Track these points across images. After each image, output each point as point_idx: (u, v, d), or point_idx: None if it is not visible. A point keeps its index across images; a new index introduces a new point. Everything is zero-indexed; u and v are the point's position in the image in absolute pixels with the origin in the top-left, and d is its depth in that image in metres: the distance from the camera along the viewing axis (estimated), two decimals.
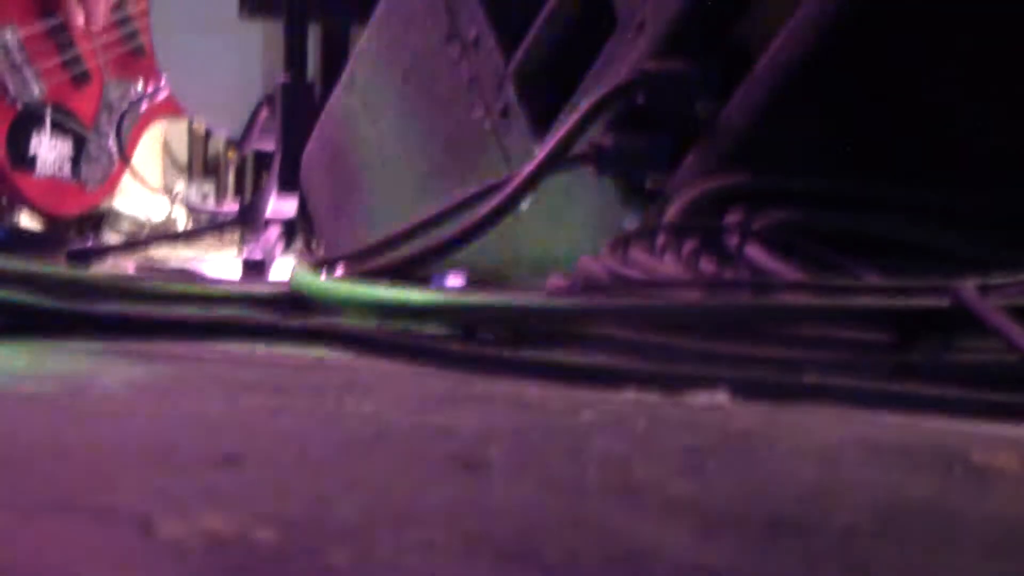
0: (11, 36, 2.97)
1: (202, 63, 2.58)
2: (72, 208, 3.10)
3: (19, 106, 2.97)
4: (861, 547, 0.54)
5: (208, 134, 3.28)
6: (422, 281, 1.47)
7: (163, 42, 2.65)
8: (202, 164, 3.34)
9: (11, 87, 2.96)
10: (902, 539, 0.56)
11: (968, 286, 0.98)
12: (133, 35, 3.10)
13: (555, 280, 1.27)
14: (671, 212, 1.29)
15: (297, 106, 2.29)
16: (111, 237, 3.08)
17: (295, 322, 1.17)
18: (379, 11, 1.79)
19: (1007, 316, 0.95)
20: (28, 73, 2.99)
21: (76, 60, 3.06)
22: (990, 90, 1.33)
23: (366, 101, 1.82)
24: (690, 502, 0.60)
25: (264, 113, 2.49)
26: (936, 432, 0.85)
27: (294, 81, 2.30)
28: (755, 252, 1.19)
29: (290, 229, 2.33)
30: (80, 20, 3.02)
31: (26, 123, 3.00)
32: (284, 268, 2.17)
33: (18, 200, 3.02)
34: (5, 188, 2.99)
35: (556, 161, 1.37)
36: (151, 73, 3.03)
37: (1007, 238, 1.28)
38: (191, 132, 3.31)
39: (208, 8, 2.54)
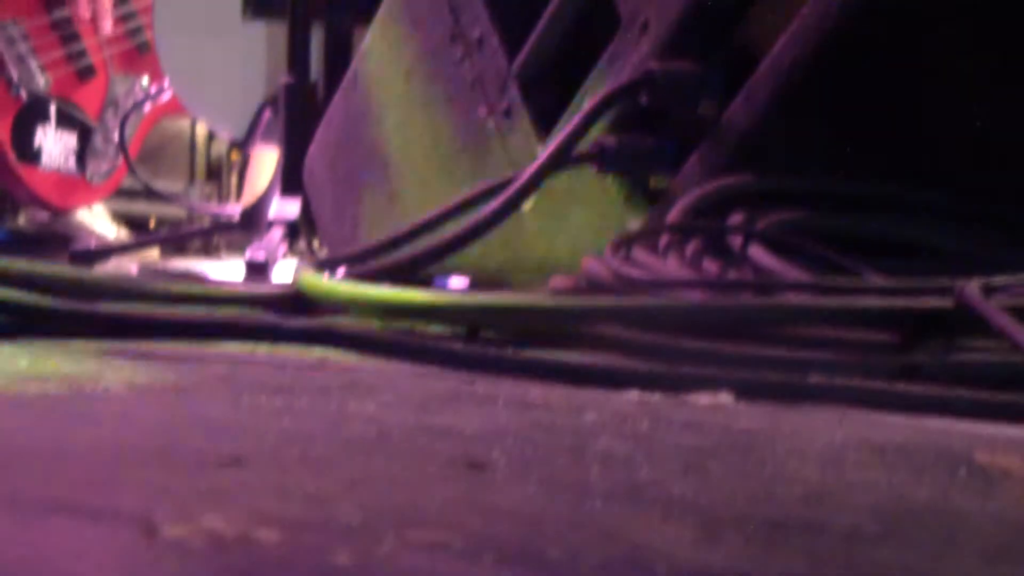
0: (16, 27, 2.97)
1: (205, 64, 2.58)
2: (77, 202, 3.10)
3: (24, 97, 2.97)
4: (865, 549, 0.54)
5: (211, 135, 3.29)
6: (425, 282, 1.47)
7: (166, 43, 2.65)
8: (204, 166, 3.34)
9: (16, 78, 2.96)
10: (906, 541, 0.56)
11: (972, 287, 0.98)
12: (138, 31, 3.10)
13: (558, 280, 1.27)
14: (674, 212, 1.29)
15: (300, 107, 2.29)
16: None
17: (298, 323, 1.16)
18: (382, 12, 1.79)
19: (1011, 317, 0.95)
20: (33, 64, 2.98)
21: (81, 54, 3.06)
22: (990, 90, 1.33)
23: (369, 102, 1.82)
24: (693, 503, 0.60)
25: (267, 114, 2.49)
26: (940, 433, 0.85)
27: (297, 82, 2.30)
28: (758, 253, 1.19)
29: (293, 230, 2.33)
30: (87, 14, 3.02)
31: (31, 115, 3.00)
32: (287, 269, 2.17)
33: (23, 192, 3.02)
34: (11, 180, 2.99)
35: (560, 161, 1.37)
36: (157, 69, 3.03)
37: (1008, 238, 1.28)
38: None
39: (211, 9, 2.54)
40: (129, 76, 3.12)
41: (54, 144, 3.03)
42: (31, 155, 3.00)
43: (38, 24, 3.01)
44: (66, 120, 3.05)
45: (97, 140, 3.09)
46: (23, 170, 2.98)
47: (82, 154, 3.08)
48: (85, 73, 3.07)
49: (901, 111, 1.32)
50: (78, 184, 3.08)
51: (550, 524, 0.56)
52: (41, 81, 3.01)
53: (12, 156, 2.97)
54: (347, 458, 0.69)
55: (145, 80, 3.12)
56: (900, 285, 1.07)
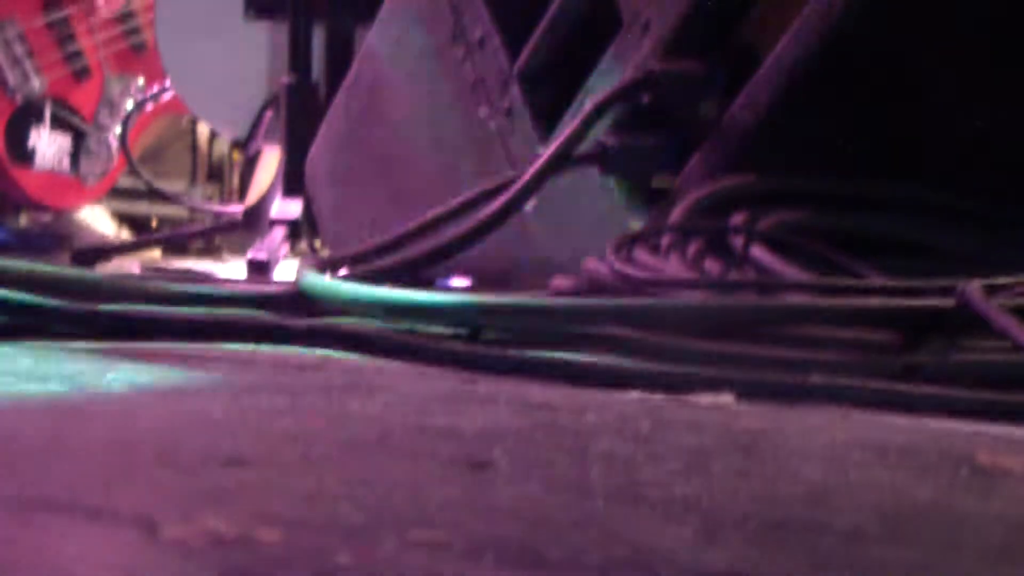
0: (12, 29, 2.97)
1: (207, 64, 2.58)
2: (70, 202, 3.10)
3: (19, 99, 2.98)
4: (866, 549, 0.54)
5: (213, 135, 3.29)
6: (427, 282, 1.47)
7: (168, 43, 2.65)
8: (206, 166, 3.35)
9: (11, 80, 2.96)
10: (908, 541, 0.56)
11: (974, 287, 0.98)
12: (135, 31, 3.10)
13: (560, 280, 1.27)
14: (676, 212, 1.29)
15: (302, 107, 2.29)
16: None
17: (299, 323, 1.16)
18: (384, 12, 1.79)
19: (1013, 317, 0.95)
20: (28, 66, 2.99)
21: (77, 55, 3.06)
22: (990, 90, 1.33)
23: (371, 102, 1.82)
24: (694, 503, 0.60)
25: (269, 114, 2.49)
26: (942, 433, 0.85)
27: (299, 82, 2.30)
28: (760, 253, 1.19)
29: (295, 230, 2.33)
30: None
31: (26, 117, 3.00)
32: (289, 269, 2.17)
33: (16, 194, 3.02)
34: (4, 182, 2.99)
35: (561, 161, 1.37)
36: (152, 69, 3.03)
37: (1009, 238, 1.28)
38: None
39: (213, 9, 2.54)
40: (125, 76, 3.12)
41: (48, 145, 3.03)
42: (25, 156, 3.00)
43: (34, 26, 3.01)
44: (60, 121, 3.05)
45: (91, 141, 3.09)
46: (16, 171, 2.98)
47: (76, 155, 3.08)
48: (81, 74, 3.07)
49: (902, 111, 1.32)
50: (72, 185, 3.08)
51: (551, 524, 0.56)
52: (36, 83, 3.01)
53: (6, 157, 2.97)
54: (348, 458, 0.68)
55: (141, 81, 3.12)
56: (902, 285, 1.07)
